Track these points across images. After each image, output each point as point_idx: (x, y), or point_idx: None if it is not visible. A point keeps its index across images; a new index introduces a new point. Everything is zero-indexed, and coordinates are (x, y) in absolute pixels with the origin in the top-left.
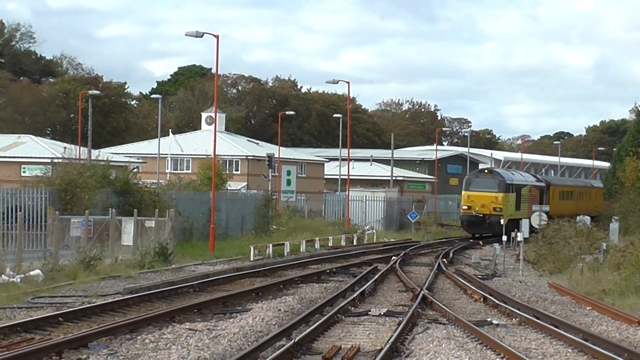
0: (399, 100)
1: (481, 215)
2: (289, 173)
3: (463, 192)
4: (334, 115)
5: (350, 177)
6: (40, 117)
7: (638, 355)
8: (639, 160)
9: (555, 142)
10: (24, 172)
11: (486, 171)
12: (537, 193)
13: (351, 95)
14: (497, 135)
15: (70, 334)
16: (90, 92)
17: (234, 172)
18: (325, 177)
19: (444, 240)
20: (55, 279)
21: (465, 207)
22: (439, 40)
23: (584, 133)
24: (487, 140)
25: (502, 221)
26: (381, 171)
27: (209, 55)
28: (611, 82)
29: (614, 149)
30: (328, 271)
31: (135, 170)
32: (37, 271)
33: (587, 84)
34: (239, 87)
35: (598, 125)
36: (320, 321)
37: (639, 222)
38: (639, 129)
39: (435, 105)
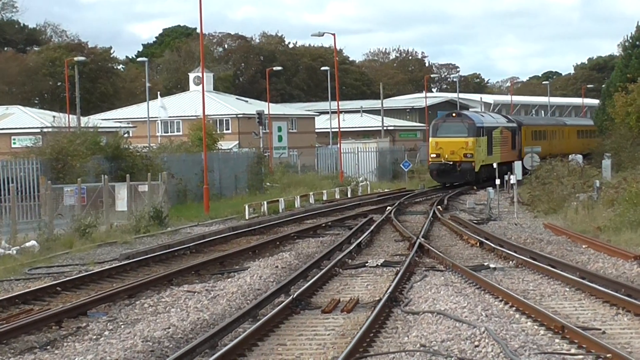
0: (385, 49)
1: (451, 162)
2: (279, 129)
3: (430, 139)
4: (322, 68)
5: (341, 129)
6: (27, 86)
7: (635, 290)
8: (628, 96)
9: (544, 82)
10: (14, 143)
11: (454, 115)
12: (509, 135)
13: (338, 47)
14: (486, 79)
15: (69, 302)
16: (75, 58)
17: (225, 131)
18: (317, 130)
19: (438, 187)
20: (51, 248)
21: (434, 155)
22: None
23: (572, 71)
24: (476, 84)
25: (474, 168)
26: (372, 122)
27: (194, 14)
28: (598, 18)
29: (603, 86)
30: (324, 225)
31: (125, 135)
32: (33, 242)
33: (575, 21)
34: (225, 46)
35: (586, 62)
36: (318, 275)
37: (631, 157)
38: (626, 63)
39: (423, 52)
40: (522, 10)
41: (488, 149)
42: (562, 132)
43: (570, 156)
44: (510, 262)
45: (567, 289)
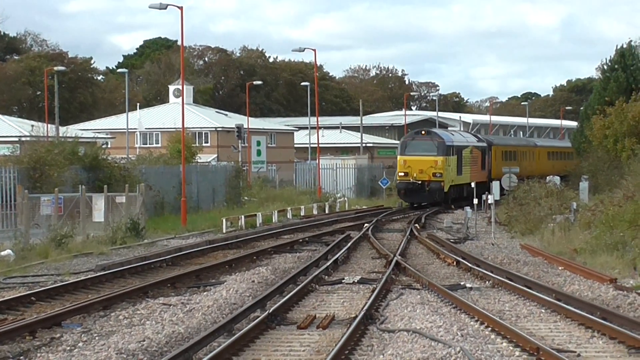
0: (366, 66)
1: (419, 182)
2: (258, 143)
3: (398, 157)
4: (302, 84)
5: (320, 145)
6: (6, 95)
7: (610, 313)
8: (606, 119)
9: (523, 103)
10: None
11: (423, 132)
12: (479, 155)
13: (319, 63)
14: (465, 98)
15: (43, 313)
16: (55, 68)
17: (204, 144)
18: (295, 146)
19: (415, 205)
20: (26, 258)
21: (402, 174)
22: (407, 3)
23: (551, 93)
24: (455, 103)
25: (443, 188)
26: (351, 138)
27: (175, 27)
28: (578, 40)
29: (581, 108)
30: (301, 240)
31: (104, 145)
32: (8, 251)
33: (555, 42)
34: (206, 59)
35: (565, 84)
36: (294, 291)
37: (608, 180)
38: (604, 86)
39: (403, 70)
40: (503, 31)
41: (458, 169)
42: (533, 153)
43: (547, 177)
44: (487, 282)
45: (543, 311)
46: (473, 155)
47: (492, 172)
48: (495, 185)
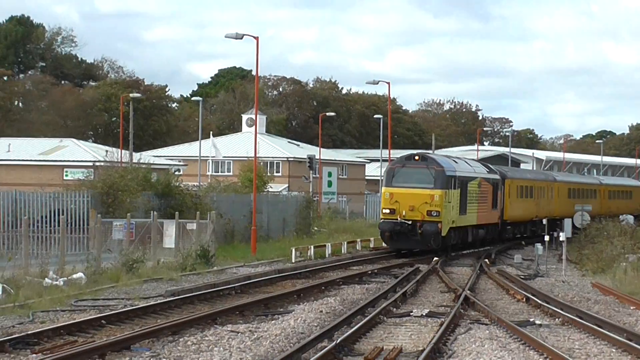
0: (440, 100)
1: (409, 222)
2: (330, 174)
3: (383, 189)
4: (375, 116)
5: None
6: (82, 120)
7: None
8: None
9: (597, 141)
10: (66, 175)
11: (417, 157)
12: (490, 189)
13: (393, 96)
14: (539, 135)
15: (113, 336)
16: (131, 95)
17: (275, 174)
18: (367, 178)
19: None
20: (97, 281)
21: (387, 211)
22: (488, 38)
23: (627, 132)
24: (528, 140)
25: (440, 230)
26: None
27: (253, 56)
28: None
29: None
30: (370, 272)
31: (176, 173)
32: (80, 274)
33: (637, 81)
34: (280, 89)
35: None
36: (362, 322)
37: None
38: None
39: (477, 105)
40: (584, 68)
41: (461, 206)
42: (552, 189)
43: (621, 216)
44: (557, 319)
45: (614, 350)
46: (482, 190)
47: (505, 211)
48: (567, 223)
